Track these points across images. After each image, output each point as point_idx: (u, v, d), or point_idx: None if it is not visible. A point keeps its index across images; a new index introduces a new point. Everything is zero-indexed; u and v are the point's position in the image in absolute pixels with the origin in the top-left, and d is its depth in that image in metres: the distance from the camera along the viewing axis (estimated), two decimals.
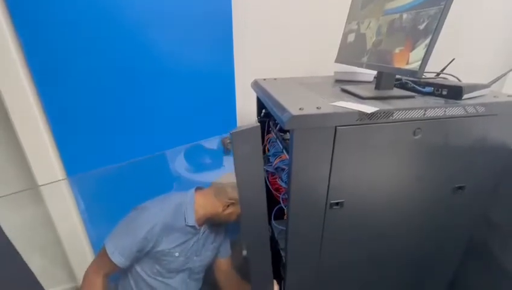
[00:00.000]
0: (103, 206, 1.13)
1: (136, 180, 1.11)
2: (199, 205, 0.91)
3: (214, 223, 0.98)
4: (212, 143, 1.19)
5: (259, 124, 0.57)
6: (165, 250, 0.86)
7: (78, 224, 1.17)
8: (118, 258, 0.80)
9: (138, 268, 0.87)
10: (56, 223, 1.13)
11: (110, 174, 1.06)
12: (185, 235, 0.90)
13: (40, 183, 1.05)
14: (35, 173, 1.03)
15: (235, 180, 0.90)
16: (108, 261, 0.79)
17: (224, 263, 1.04)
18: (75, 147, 1.04)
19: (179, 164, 1.17)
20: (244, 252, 0.70)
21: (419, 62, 0.54)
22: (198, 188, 0.97)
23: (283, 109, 0.61)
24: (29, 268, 0.51)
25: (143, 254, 0.84)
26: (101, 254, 0.82)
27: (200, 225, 0.92)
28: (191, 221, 0.88)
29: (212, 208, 0.92)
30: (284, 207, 0.84)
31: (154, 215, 0.84)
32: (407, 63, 0.58)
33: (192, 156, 1.17)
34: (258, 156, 0.60)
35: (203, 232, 0.94)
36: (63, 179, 1.08)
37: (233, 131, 0.54)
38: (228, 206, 0.92)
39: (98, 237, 1.22)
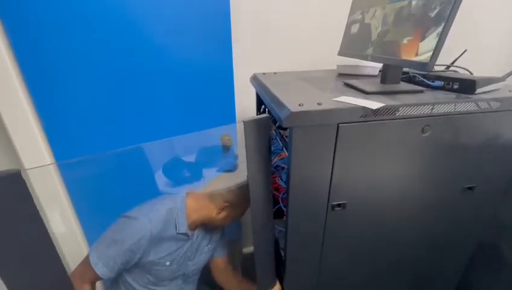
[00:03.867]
0: (96, 195, 1.10)
1: (129, 169, 1.07)
2: (191, 209, 0.86)
3: (207, 228, 0.93)
4: (206, 135, 1.15)
5: (269, 115, 0.57)
6: (155, 260, 0.82)
7: (71, 215, 1.15)
8: (102, 270, 0.76)
9: (129, 278, 0.84)
10: (48, 216, 1.11)
11: (102, 162, 1.02)
12: (177, 243, 0.85)
13: (36, 188, 1.03)
14: (30, 176, 1.01)
15: (228, 183, 0.88)
16: (92, 271, 0.76)
17: (221, 262, 1.00)
18: (69, 145, 1.01)
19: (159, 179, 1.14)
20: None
21: (430, 53, 0.49)
22: (189, 192, 0.91)
23: (281, 105, 0.57)
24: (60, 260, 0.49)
25: (130, 265, 0.80)
26: (84, 263, 0.78)
27: (193, 230, 0.88)
28: (183, 228, 0.83)
29: (205, 212, 0.87)
30: (283, 207, 0.81)
31: (141, 226, 0.78)
32: (416, 55, 0.53)
33: (172, 170, 1.13)
34: (267, 146, 0.62)
35: (197, 237, 0.90)
36: (51, 164, 1.03)
37: (245, 120, 0.59)
38: (223, 209, 0.87)
39: (91, 228, 1.20)
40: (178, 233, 0.83)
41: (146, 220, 0.79)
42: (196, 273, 0.96)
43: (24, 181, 0.40)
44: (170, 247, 0.84)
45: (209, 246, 0.95)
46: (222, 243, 1.01)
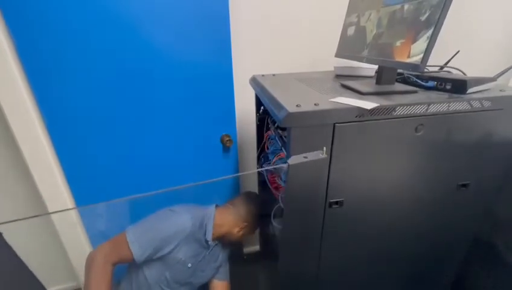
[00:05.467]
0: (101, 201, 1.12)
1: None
2: (217, 222, 0.94)
3: (224, 241, 1.00)
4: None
5: (326, 156, 0.48)
6: (181, 258, 0.86)
7: (77, 222, 1.17)
8: (137, 249, 0.79)
9: (147, 273, 0.86)
10: (55, 222, 1.14)
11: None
12: (199, 248, 0.91)
13: (40, 187, 1.05)
14: (34, 174, 1.03)
15: (251, 206, 0.99)
16: (125, 250, 0.78)
17: (222, 286, 1.03)
18: (73, 150, 1.04)
19: None
20: None
21: (421, 55, 0.52)
22: (217, 206, 1.00)
23: (279, 106, 0.59)
24: (28, 268, 0.50)
25: (157, 256, 0.83)
26: (117, 241, 0.81)
27: (213, 241, 0.94)
28: (209, 236, 0.91)
29: (228, 228, 0.96)
30: (282, 206, 0.83)
31: (184, 221, 0.86)
32: (409, 56, 0.55)
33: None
34: (316, 191, 0.52)
35: (211, 250, 0.95)
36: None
37: (292, 162, 0.46)
38: (242, 227, 0.98)
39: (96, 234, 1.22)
40: (205, 239, 0.91)
41: (189, 217, 0.87)
42: (198, 287, 1.00)
43: (5, 241, 0.41)
44: (195, 250, 0.90)
45: (215, 263, 1.00)
46: (225, 266, 1.05)
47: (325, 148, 0.49)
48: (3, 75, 0.88)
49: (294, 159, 0.46)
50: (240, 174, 1.30)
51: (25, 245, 1.03)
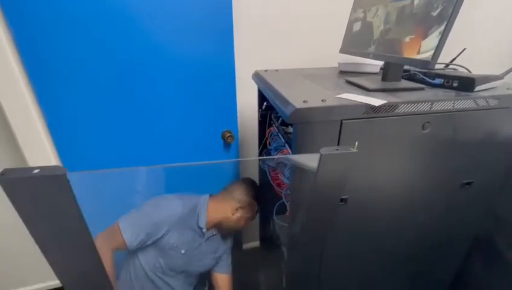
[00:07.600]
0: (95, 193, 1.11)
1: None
2: (211, 209, 0.95)
3: (222, 230, 0.99)
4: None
5: (356, 151, 0.47)
6: (174, 243, 0.87)
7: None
8: (129, 236, 0.81)
9: (142, 260, 0.88)
10: None
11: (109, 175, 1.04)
12: (194, 236, 0.92)
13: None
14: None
15: (244, 187, 0.98)
16: (119, 237, 0.80)
17: (223, 279, 1.03)
18: (73, 146, 1.02)
19: None
20: None
21: (432, 51, 0.51)
22: (211, 195, 1.00)
23: (286, 102, 0.58)
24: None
25: (151, 241, 0.85)
26: (111, 230, 0.83)
27: (208, 229, 0.95)
28: (202, 223, 0.92)
29: (222, 212, 0.96)
30: (286, 203, 0.82)
31: (174, 205, 0.88)
32: (419, 53, 0.55)
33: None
34: (341, 185, 0.53)
35: (207, 238, 0.96)
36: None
37: (325, 152, 0.46)
38: (237, 209, 0.97)
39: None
40: (198, 226, 0.92)
41: (180, 202, 0.90)
42: (196, 276, 1.00)
43: (68, 181, 0.40)
44: (189, 237, 0.91)
45: (214, 254, 1.00)
46: (227, 259, 1.05)
47: (357, 143, 0.49)
48: (3, 73, 0.86)
49: (325, 150, 0.46)
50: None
51: (19, 245, 1.02)
